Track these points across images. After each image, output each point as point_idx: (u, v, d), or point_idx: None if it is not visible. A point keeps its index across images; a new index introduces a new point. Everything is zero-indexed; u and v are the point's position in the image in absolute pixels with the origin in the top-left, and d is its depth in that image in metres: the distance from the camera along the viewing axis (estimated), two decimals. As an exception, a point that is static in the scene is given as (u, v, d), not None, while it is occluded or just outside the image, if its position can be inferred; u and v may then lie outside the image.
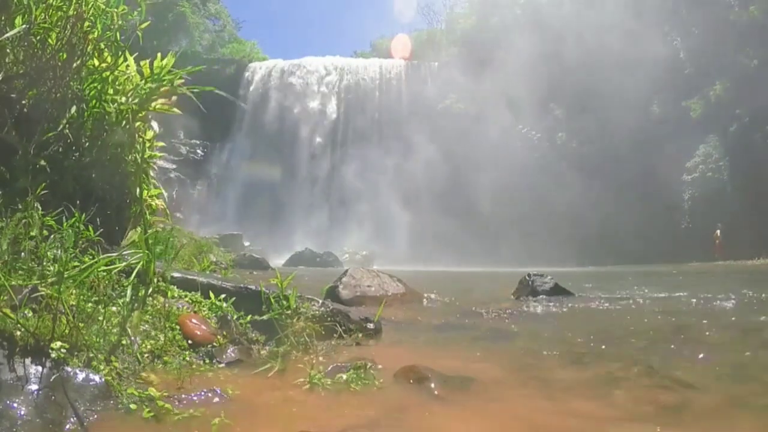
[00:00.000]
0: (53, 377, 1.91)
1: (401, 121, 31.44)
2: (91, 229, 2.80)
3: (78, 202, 2.95)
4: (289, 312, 3.25)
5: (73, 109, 3.33)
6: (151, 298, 2.80)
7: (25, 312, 2.12)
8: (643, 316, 5.03)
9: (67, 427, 1.81)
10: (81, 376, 1.98)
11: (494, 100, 28.96)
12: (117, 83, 3.62)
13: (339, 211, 28.58)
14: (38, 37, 3.27)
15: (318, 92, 33.32)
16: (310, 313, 3.33)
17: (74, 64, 3.40)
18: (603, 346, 3.44)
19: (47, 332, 2.03)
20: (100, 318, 2.32)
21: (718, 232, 24.54)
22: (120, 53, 3.56)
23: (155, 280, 2.89)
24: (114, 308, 2.48)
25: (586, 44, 26.19)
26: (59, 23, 3.35)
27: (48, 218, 2.75)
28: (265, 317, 3.16)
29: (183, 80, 3.76)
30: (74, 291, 2.35)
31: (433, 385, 2.35)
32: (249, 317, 3.14)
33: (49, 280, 2.21)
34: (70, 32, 3.35)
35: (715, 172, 26.17)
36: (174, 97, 3.85)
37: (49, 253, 2.53)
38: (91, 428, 1.83)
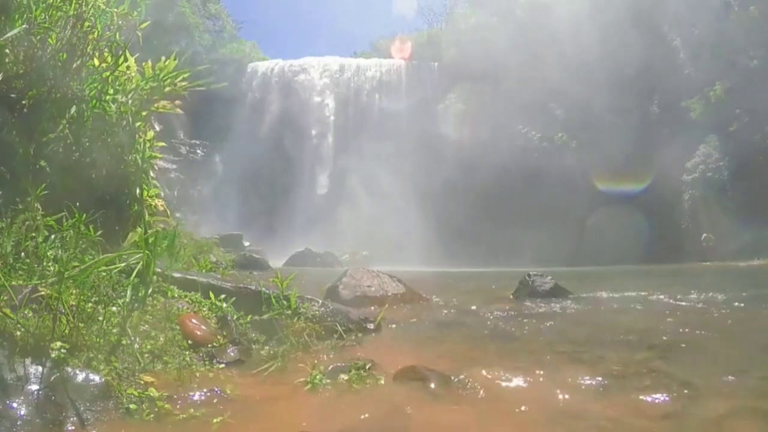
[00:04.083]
0: (53, 377, 1.91)
1: (401, 121, 31.44)
2: (91, 229, 2.80)
3: (78, 202, 2.95)
4: (289, 312, 3.25)
5: (73, 109, 3.33)
6: (151, 298, 2.80)
7: (26, 312, 2.12)
8: (642, 316, 5.02)
9: (67, 427, 1.81)
10: (81, 376, 1.98)
11: (494, 100, 28.96)
12: (117, 83, 3.62)
13: (339, 210, 28.54)
14: (38, 37, 3.27)
15: (318, 92, 33.31)
16: (310, 313, 3.33)
17: (74, 64, 3.40)
18: (603, 347, 3.44)
19: (47, 332, 2.03)
20: (100, 318, 2.33)
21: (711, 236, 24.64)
22: (120, 53, 3.56)
23: (155, 280, 2.89)
24: (114, 308, 2.48)
25: (586, 44, 26.20)
26: (59, 23, 3.35)
27: (49, 218, 2.75)
28: (265, 317, 3.16)
29: (185, 82, 3.77)
30: (74, 291, 2.35)
31: (433, 386, 2.35)
32: (249, 317, 3.14)
33: (50, 280, 2.21)
34: (70, 32, 3.35)
35: (715, 172, 26.13)
36: (178, 101, 3.85)
37: (49, 253, 2.53)
38: (91, 428, 1.83)
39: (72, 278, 2.28)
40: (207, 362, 2.61)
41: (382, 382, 2.47)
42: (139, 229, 2.99)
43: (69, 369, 1.97)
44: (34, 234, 2.59)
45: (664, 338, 3.77)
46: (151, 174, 3.98)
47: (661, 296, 6.48)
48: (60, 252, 2.54)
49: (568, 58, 27.19)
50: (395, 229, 25.81)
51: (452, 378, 2.49)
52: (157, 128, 3.96)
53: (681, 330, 4.11)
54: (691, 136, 26.65)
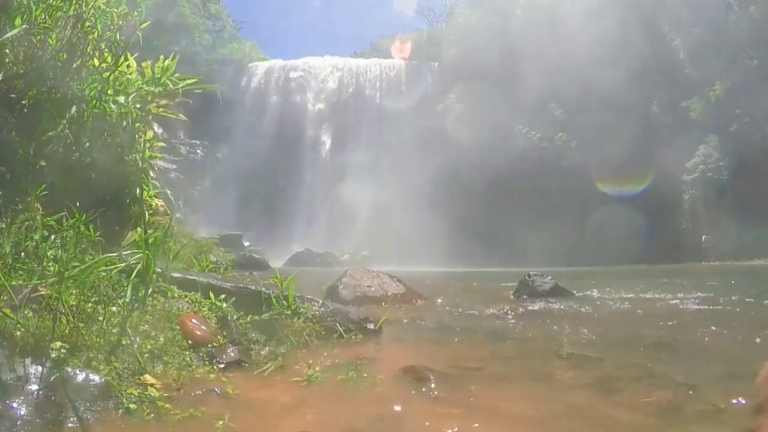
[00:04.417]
0: (53, 377, 1.91)
1: (401, 121, 31.43)
2: (91, 229, 2.80)
3: (78, 202, 2.95)
4: (289, 312, 3.25)
5: (73, 109, 3.33)
6: (151, 298, 2.80)
7: (26, 312, 2.12)
8: (642, 316, 5.03)
9: (67, 426, 1.81)
10: (81, 376, 1.98)
11: (494, 100, 28.96)
12: (117, 83, 3.62)
13: (339, 211, 28.54)
14: (38, 37, 3.26)
15: (318, 92, 33.29)
16: (310, 313, 3.33)
17: (74, 64, 3.39)
18: (602, 347, 3.44)
19: (47, 332, 2.03)
20: (100, 318, 2.33)
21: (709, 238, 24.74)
22: (121, 54, 3.56)
23: (155, 280, 2.89)
24: (114, 308, 2.48)
25: (585, 44, 26.19)
26: (59, 23, 3.35)
27: (49, 219, 2.75)
28: (265, 317, 3.16)
29: (185, 84, 3.76)
30: (74, 291, 2.35)
31: (433, 385, 2.35)
32: (249, 317, 3.14)
33: (50, 280, 2.21)
34: (70, 32, 3.35)
35: (715, 172, 26.15)
36: (178, 100, 3.84)
37: (49, 253, 2.53)
38: (91, 428, 1.83)
39: (72, 278, 2.28)
40: (207, 362, 2.61)
41: (382, 381, 2.48)
42: (139, 229, 2.99)
43: (69, 369, 1.97)
44: (34, 234, 2.59)
45: (663, 338, 3.77)
46: (151, 174, 3.97)
47: (661, 296, 6.48)
48: (60, 252, 2.54)
49: (568, 58, 27.18)
50: (394, 230, 25.81)
51: (452, 378, 2.49)
52: (158, 131, 3.94)
53: (680, 330, 4.11)
54: (691, 136, 26.66)
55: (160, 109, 3.80)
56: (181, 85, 3.70)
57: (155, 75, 3.68)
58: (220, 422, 1.91)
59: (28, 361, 1.92)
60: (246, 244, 19.87)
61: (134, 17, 3.67)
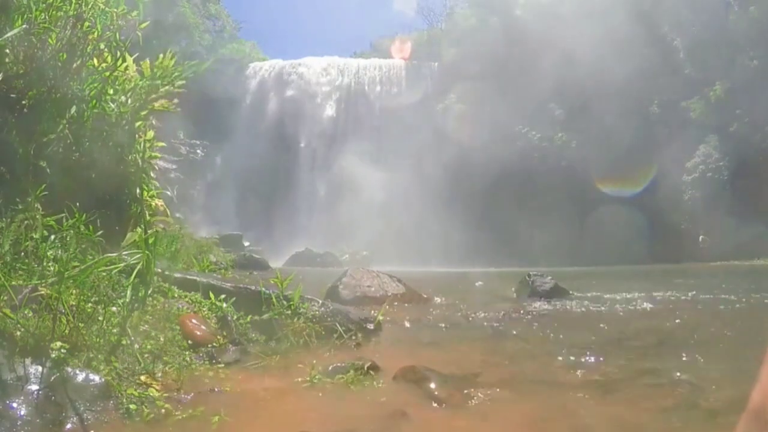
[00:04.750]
0: (53, 377, 1.90)
1: (401, 121, 31.41)
2: (91, 229, 2.80)
3: (78, 202, 2.94)
4: (289, 312, 3.25)
5: (73, 109, 3.33)
6: (151, 298, 2.80)
7: (26, 312, 2.12)
8: (641, 316, 5.02)
9: (67, 427, 1.81)
10: (81, 376, 1.98)
11: (494, 100, 28.94)
12: (117, 83, 3.62)
13: (339, 211, 28.52)
14: (38, 37, 3.26)
15: (317, 92, 33.26)
16: (310, 313, 3.33)
17: (74, 64, 3.39)
18: (602, 347, 3.44)
19: (47, 332, 2.02)
20: (100, 318, 2.32)
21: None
22: (120, 54, 3.55)
23: (155, 280, 2.89)
24: (114, 308, 2.47)
25: (586, 44, 26.18)
26: (59, 23, 3.35)
27: (49, 219, 2.74)
28: (265, 317, 3.16)
29: (183, 80, 3.76)
30: (74, 291, 2.35)
31: (433, 386, 2.35)
32: (249, 317, 3.14)
33: (50, 280, 2.21)
34: (70, 32, 3.35)
35: (715, 172, 26.16)
36: (175, 100, 3.84)
37: (49, 253, 2.53)
38: (91, 429, 1.83)
39: (72, 278, 2.28)
40: (207, 362, 2.61)
41: (382, 382, 2.47)
42: (139, 229, 2.99)
43: (69, 369, 1.97)
44: (33, 234, 2.59)
45: (664, 337, 3.77)
46: (151, 174, 3.97)
47: (660, 296, 6.48)
48: (60, 252, 2.54)
49: (568, 58, 27.18)
50: (395, 230, 25.82)
51: (451, 379, 2.49)
52: (155, 123, 3.93)
53: (680, 329, 4.11)
54: (691, 136, 26.67)
55: (157, 104, 3.79)
56: (176, 76, 3.69)
57: (153, 73, 3.68)
58: (219, 420, 1.91)
59: (28, 361, 1.91)
60: (246, 244, 19.86)
61: (134, 17, 3.67)
